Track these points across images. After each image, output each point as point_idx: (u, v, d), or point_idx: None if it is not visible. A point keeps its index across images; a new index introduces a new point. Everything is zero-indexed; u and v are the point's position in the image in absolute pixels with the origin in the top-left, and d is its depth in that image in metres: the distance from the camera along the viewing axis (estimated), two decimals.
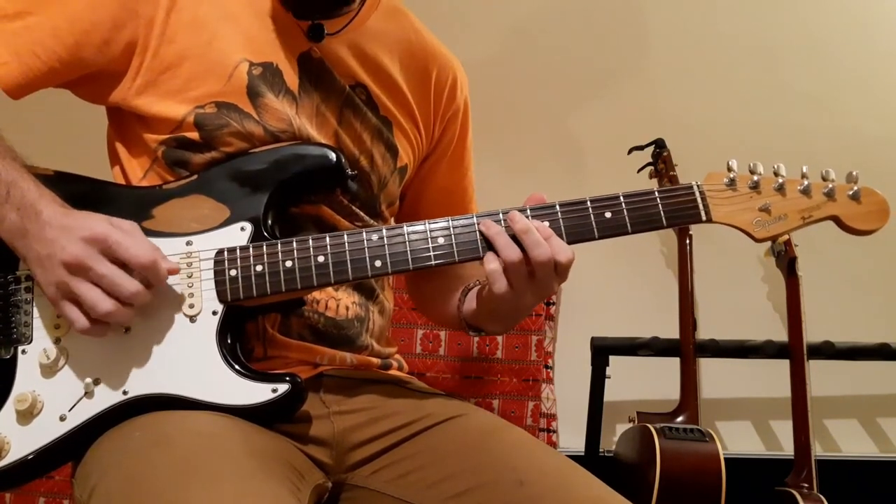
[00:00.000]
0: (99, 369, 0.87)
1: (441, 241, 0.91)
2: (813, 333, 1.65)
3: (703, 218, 0.93)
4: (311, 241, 0.91)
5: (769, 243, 1.73)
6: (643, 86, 1.93)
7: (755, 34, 1.93)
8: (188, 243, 0.91)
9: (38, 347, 0.88)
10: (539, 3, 1.94)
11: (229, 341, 0.90)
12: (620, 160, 1.79)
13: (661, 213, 0.92)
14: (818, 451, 1.60)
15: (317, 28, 1.00)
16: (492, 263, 0.89)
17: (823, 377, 1.75)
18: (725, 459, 1.44)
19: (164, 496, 0.73)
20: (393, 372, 1.09)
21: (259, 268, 0.90)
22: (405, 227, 0.92)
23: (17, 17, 0.91)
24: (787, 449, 1.70)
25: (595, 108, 1.93)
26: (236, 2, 0.99)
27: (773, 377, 1.75)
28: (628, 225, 0.92)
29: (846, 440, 1.92)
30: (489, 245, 0.90)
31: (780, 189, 0.93)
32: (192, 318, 0.89)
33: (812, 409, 1.57)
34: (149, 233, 0.90)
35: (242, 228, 0.92)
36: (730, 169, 0.94)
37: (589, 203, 0.92)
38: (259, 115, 0.97)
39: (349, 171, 0.96)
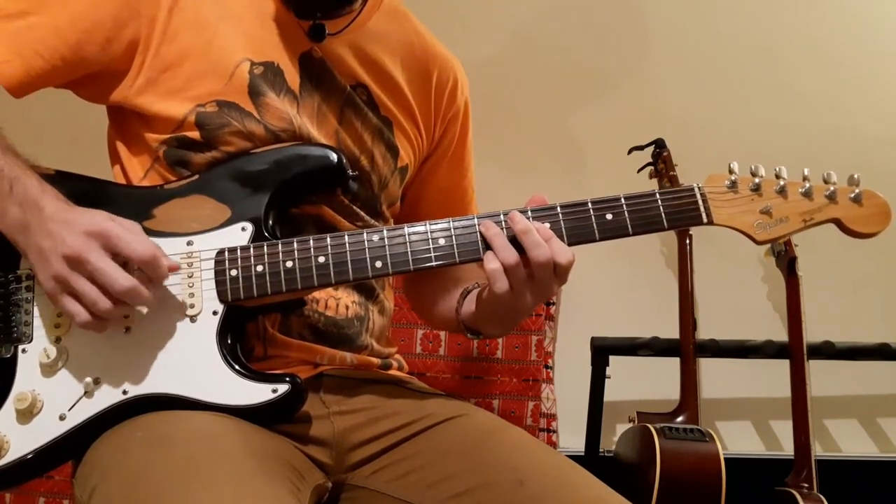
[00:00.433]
0: (99, 369, 0.87)
1: (442, 241, 0.91)
2: (813, 333, 1.65)
3: (705, 220, 0.93)
4: (311, 241, 0.91)
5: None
6: (643, 86, 1.93)
7: (755, 34, 1.93)
8: (189, 243, 0.91)
9: (38, 346, 0.88)
10: (539, 3, 1.94)
11: (229, 342, 0.90)
12: (620, 160, 1.79)
13: (663, 214, 0.92)
14: (818, 451, 1.60)
15: (318, 28, 1.00)
16: (492, 263, 0.89)
17: (823, 377, 1.75)
18: (725, 459, 1.44)
19: (165, 497, 0.73)
20: (393, 372, 1.09)
21: (260, 268, 0.90)
22: (406, 228, 0.92)
23: (20, 17, 0.91)
24: (787, 449, 1.70)
25: (595, 108, 1.93)
26: (238, 1, 1.00)
27: (773, 377, 1.75)
28: (629, 227, 0.92)
29: (846, 440, 1.92)
30: (488, 246, 0.90)
31: (782, 191, 0.93)
32: (193, 318, 0.89)
33: (812, 409, 1.57)
34: (150, 232, 0.90)
35: (243, 228, 0.92)
36: (731, 171, 0.94)
37: (590, 204, 0.92)
38: (260, 115, 0.97)
39: (350, 172, 0.96)
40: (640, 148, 1.78)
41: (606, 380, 1.74)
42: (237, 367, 0.88)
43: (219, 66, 0.96)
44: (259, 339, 0.96)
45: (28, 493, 1.69)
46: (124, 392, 0.87)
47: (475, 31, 1.92)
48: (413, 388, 1.06)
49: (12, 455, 0.86)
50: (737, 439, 1.90)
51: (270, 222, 0.93)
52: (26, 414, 0.86)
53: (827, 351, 1.73)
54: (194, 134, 0.95)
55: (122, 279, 0.82)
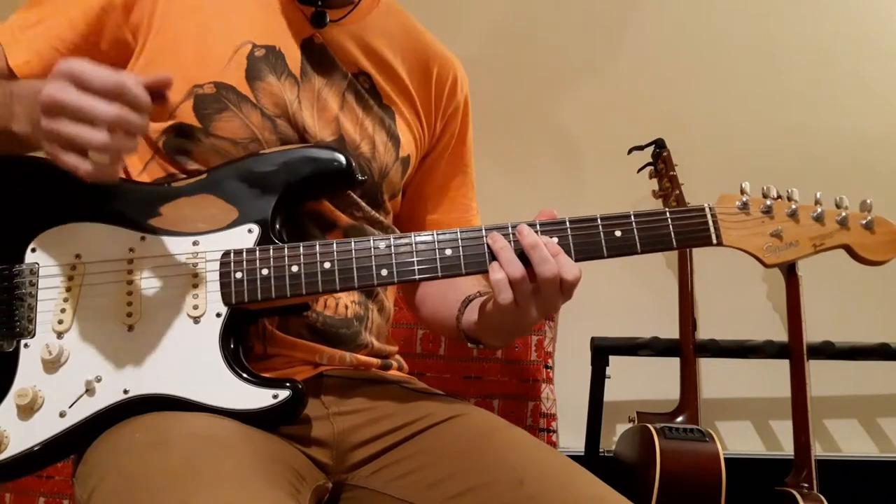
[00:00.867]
0: (101, 367, 0.87)
1: (448, 252, 0.91)
2: (813, 333, 1.65)
3: (714, 241, 0.93)
4: (318, 246, 0.91)
5: None
6: (643, 86, 1.93)
7: (755, 34, 1.92)
8: (195, 243, 0.91)
9: (40, 342, 0.88)
10: (539, 3, 1.94)
11: (232, 345, 0.89)
12: (620, 160, 1.79)
13: (672, 234, 0.92)
14: (818, 451, 1.60)
15: (320, 14, 1.01)
16: (498, 273, 0.88)
17: (823, 377, 1.74)
18: (725, 459, 1.44)
19: (164, 498, 0.72)
20: (393, 372, 1.09)
21: (265, 271, 0.90)
22: (413, 237, 0.92)
23: (39, 23, 0.96)
24: (787, 449, 1.70)
25: (595, 108, 1.93)
26: None
27: (773, 377, 1.75)
28: (638, 245, 0.91)
29: (846, 440, 1.92)
30: (495, 258, 0.90)
31: (793, 215, 0.92)
32: (196, 320, 0.89)
33: (812, 409, 1.57)
34: (156, 231, 0.90)
35: (250, 230, 0.92)
36: (742, 192, 0.93)
37: (599, 220, 0.91)
38: (257, 98, 0.97)
39: (359, 177, 0.96)
40: (640, 148, 1.78)
41: (606, 380, 1.73)
42: (239, 370, 0.88)
43: (218, 48, 0.97)
44: (259, 338, 0.96)
45: (28, 494, 1.68)
46: (125, 391, 0.87)
47: (474, 30, 1.92)
48: (413, 389, 1.06)
49: (12, 450, 0.86)
50: (737, 439, 1.90)
51: (277, 226, 0.93)
52: (27, 410, 0.86)
53: (827, 351, 1.72)
54: (192, 120, 0.96)
55: (105, 106, 0.76)
